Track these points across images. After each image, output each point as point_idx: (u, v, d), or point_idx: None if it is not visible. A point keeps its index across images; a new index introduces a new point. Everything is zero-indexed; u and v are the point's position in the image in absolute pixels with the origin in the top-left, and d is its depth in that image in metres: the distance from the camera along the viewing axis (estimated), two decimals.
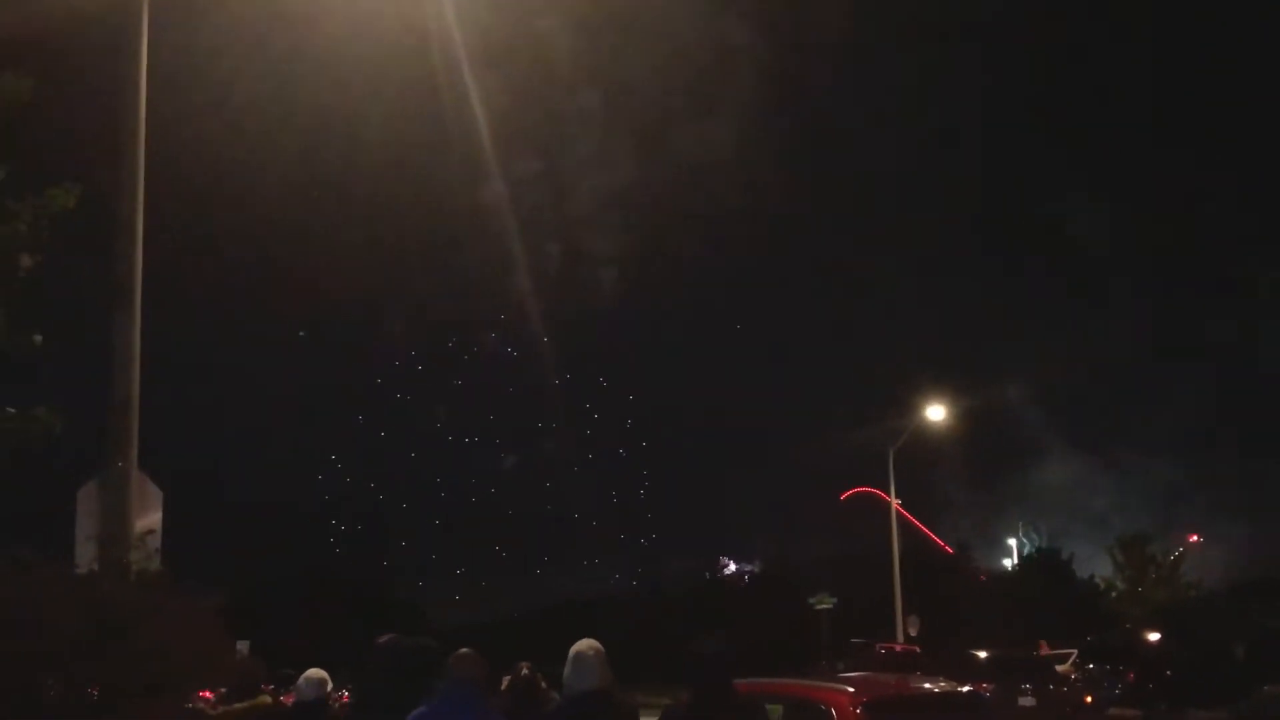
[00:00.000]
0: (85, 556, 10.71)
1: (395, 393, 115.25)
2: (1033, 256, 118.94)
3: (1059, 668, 25.99)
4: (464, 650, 6.73)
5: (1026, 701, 21.40)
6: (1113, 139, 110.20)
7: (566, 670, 6.28)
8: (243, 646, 27.77)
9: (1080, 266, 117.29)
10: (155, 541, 11.10)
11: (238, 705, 9.06)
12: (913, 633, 39.20)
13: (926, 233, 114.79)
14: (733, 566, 77.96)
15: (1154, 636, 18.55)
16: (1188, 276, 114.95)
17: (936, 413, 40.65)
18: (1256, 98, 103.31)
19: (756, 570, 72.13)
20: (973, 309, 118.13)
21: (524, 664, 8.22)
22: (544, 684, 8.26)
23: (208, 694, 12.15)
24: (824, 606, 40.54)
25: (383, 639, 7.87)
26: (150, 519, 11.22)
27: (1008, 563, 68.18)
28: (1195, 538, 61.84)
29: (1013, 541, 70.66)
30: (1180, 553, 49.98)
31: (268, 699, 9.02)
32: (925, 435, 43.14)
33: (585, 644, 6.30)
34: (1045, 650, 32.18)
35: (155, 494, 11.40)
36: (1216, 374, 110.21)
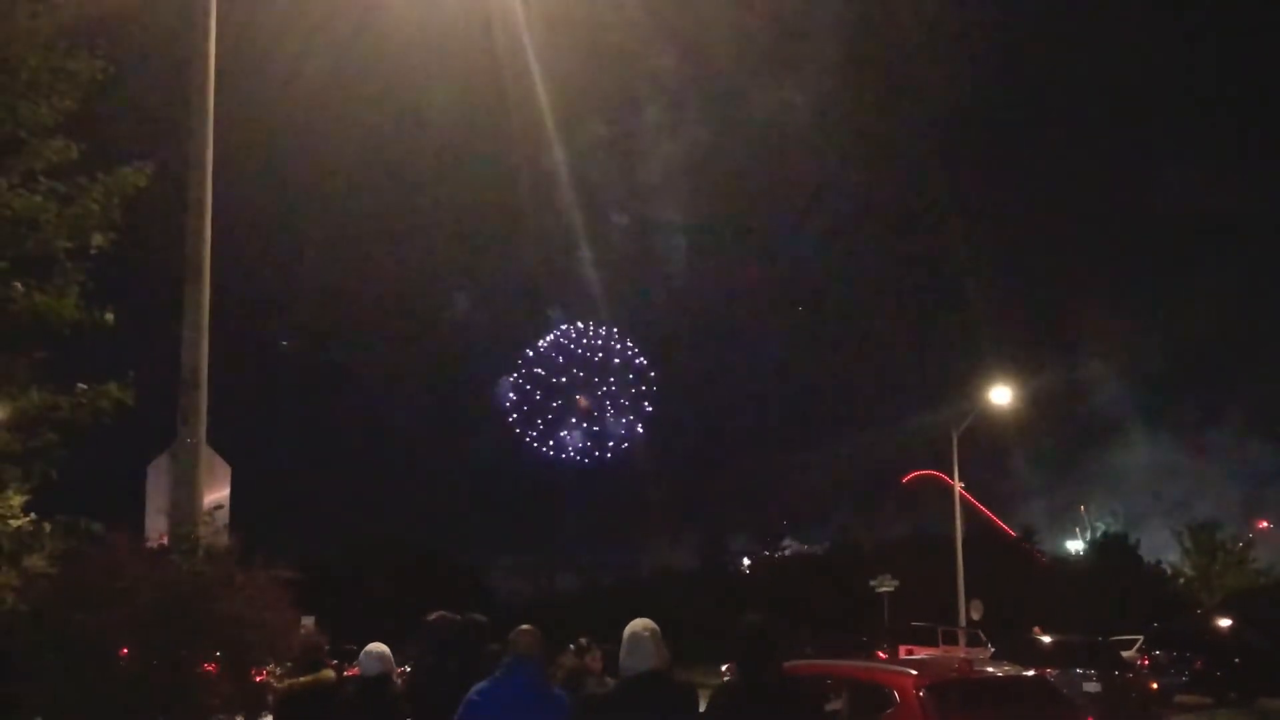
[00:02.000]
0: (155, 530, 10.89)
1: (460, 367, 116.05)
2: (1112, 233, 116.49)
3: (1125, 654, 25.69)
4: (525, 627, 6.75)
5: (1091, 687, 21.12)
6: (1194, 108, 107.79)
7: (622, 651, 6.27)
8: (308, 621, 28.13)
9: (1164, 241, 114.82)
10: (224, 516, 11.26)
11: (301, 679, 9.16)
12: (975, 616, 38.93)
13: (1006, 208, 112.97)
14: (796, 547, 77.76)
15: (1224, 623, 18.18)
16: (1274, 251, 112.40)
17: (1002, 395, 40.21)
18: None
19: (821, 551, 71.91)
20: (1050, 287, 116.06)
21: (583, 638, 8.25)
22: (600, 666, 8.27)
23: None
24: (885, 589, 40.33)
25: (431, 616, 7.94)
26: (219, 493, 11.39)
27: (1073, 547, 67.38)
28: (1265, 524, 60.80)
29: (1082, 521, 69.82)
30: (1250, 539, 49.20)
31: (330, 673, 9.11)
32: (991, 418, 42.76)
33: (640, 624, 6.28)
34: (1039, 634, 31.94)
35: (224, 469, 11.56)
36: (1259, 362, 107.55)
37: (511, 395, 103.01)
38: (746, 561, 76.53)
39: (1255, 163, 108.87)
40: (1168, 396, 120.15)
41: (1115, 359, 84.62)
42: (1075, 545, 67.34)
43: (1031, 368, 63.61)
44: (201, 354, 11.12)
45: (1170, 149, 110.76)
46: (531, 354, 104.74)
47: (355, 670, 9.42)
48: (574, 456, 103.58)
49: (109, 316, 10.86)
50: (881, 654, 26.65)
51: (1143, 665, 24.52)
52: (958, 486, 42.81)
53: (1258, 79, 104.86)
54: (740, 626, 6.27)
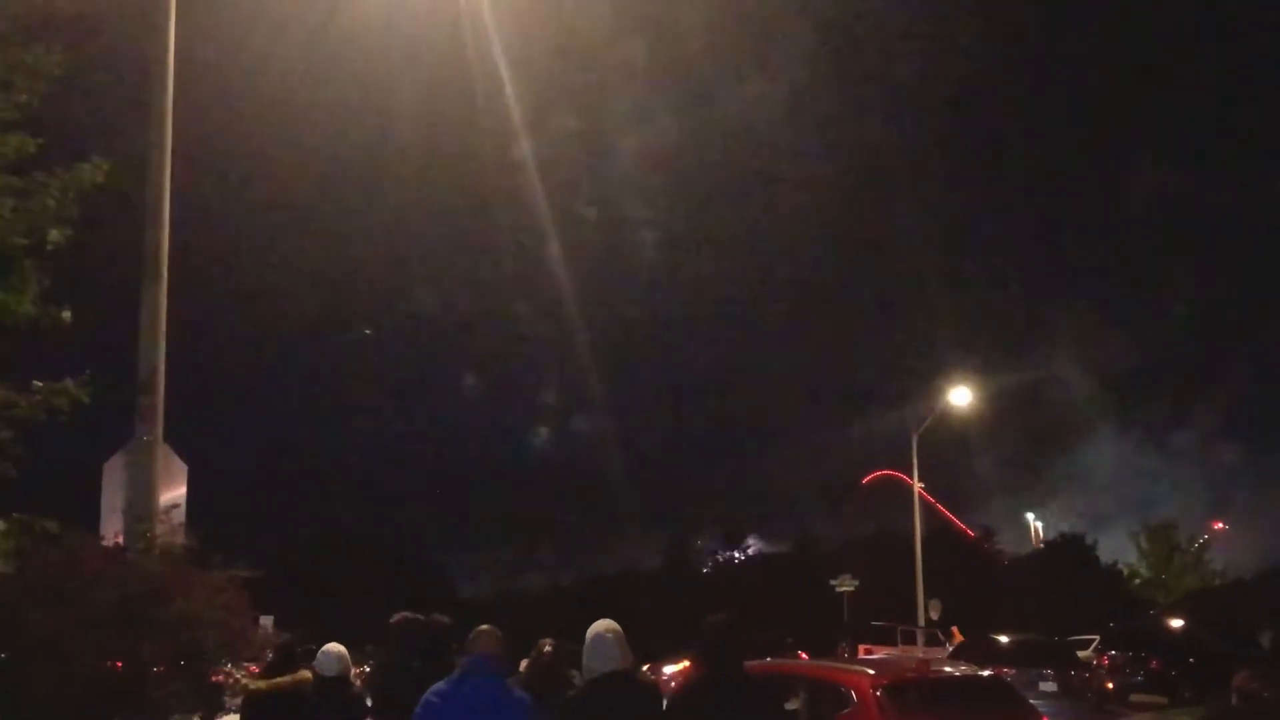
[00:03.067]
0: (111, 529, 10.82)
1: (425, 363, 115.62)
2: (1080, 231, 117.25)
3: (1081, 654, 25.92)
4: (484, 627, 6.76)
5: (1048, 687, 21.33)
6: (1166, 105, 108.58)
7: (585, 652, 6.31)
8: (266, 621, 27.92)
9: (1132, 240, 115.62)
10: (180, 515, 11.21)
11: (280, 680, 9.12)
12: (934, 616, 39.17)
13: (973, 205, 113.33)
14: (760, 546, 77.99)
15: (1177, 623, 18.43)
16: (1229, 254, 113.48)
17: (961, 396, 40.49)
18: None
19: (782, 551, 72.12)
20: (1016, 286, 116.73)
21: (547, 640, 8.25)
22: (567, 664, 8.29)
23: (254, 669, 12.21)
24: (846, 589, 40.52)
25: (395, 618, 7.95)
26: (175, 492, 11.34)
27: (1031, 548, 67.94)
28: (1220, 524, 61.52)
29: (1035, 525, 70.39)
30: (1205, 539, 49.73)
31: (308, 674, 9.07)
32: (954, 418, 43.04)
33: (603, 625, 6.33)
34: (958, 637, 32.33)
35: (180, 467, 11.51)
36: (1251, 356, 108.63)
37: (477, 389, 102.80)
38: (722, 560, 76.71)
39: (1227, 161, 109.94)
40: (1133, 397, 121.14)
41: (1080, 358, 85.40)
42: (1033, 546, 67.95)
43: (995, 367, 64.19)
44: (159, 353, 11.06)
45: (1141, 147, 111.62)
46: (494, 351, 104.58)
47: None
48: (540, 454, 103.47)
49: (66, 315, 10.77)
50: (803, 654, 26.78)
51: (1102, 665, 24.76)
52: (917, 486, 43.07)
53: (1228, 77, 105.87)
54: (704, 626, 6.33)
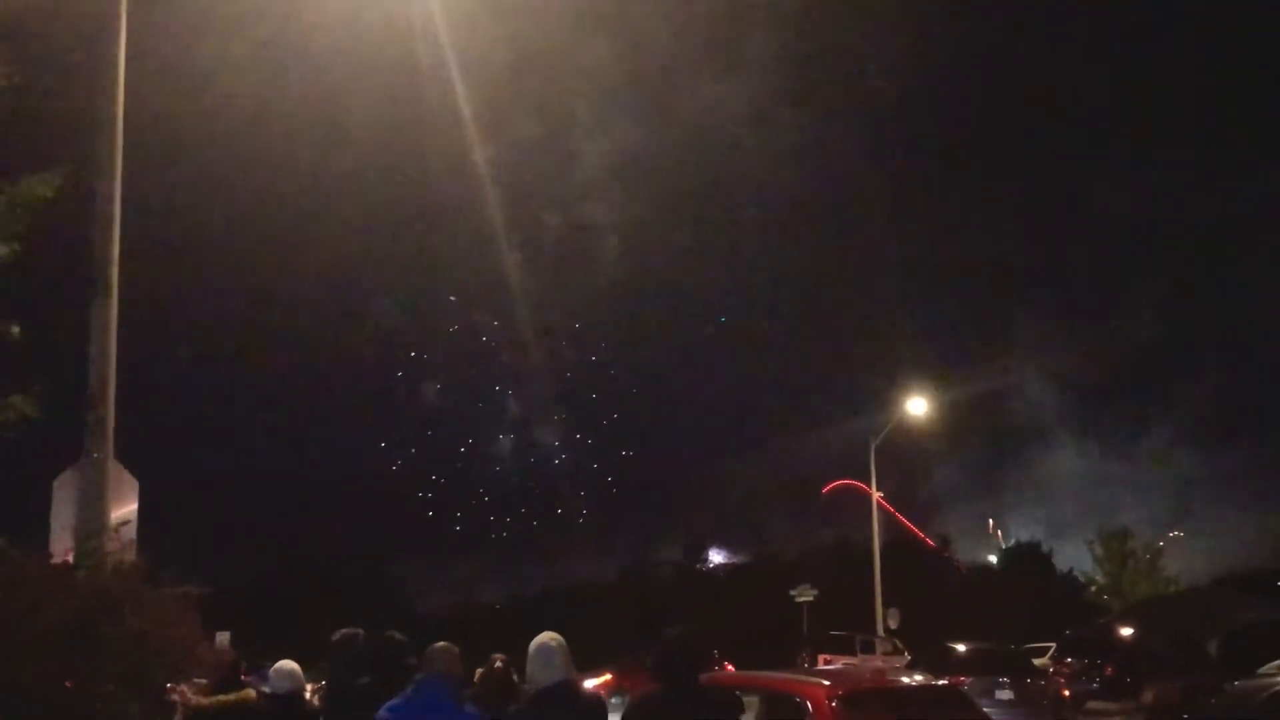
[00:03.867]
0: (60, 547, 10.68)
1: (381, 375, 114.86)
2: (1042, 238, 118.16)
3: (1037, 661, 26.12)
4: (439, 644, 6.76)
5: (1004, 695, 21.47)
6: (1130, 112, 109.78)
7: (529, 664, 6.34)
8: (223, 638, 27.62)
9: (1094, 247, 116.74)
10: (131, 532, 11.08)
11: (223, 697, 9.03)
12: (893, 625, 39.37)
13: (936, 212, 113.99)
14: (718, 558, 78.13)
15: (1127, 631, 18.61)
16: (1180, 265, 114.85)
17: (918, 406, 40.82)
18: None
19: (741, 562, 72.28)
20: (978, 293, 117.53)
21: (498, 656, 8.25)
22: (517, 678, 8.30)
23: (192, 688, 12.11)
24: (805, 599, 40.64)
25: (337, 635, 7.91)
26: (126, 509, 11.19)
27: (990, 556, 68.47)
28: (1175, 532, 62.14)
29: (992, 536, 71.02)
30: (1160, 547, 50.21)
31: (253, 693, 9.00)
32: (910, 428, 43.37)
33: (547, 637, 6.36)
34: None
35: (131, 483, 11.37)
36: (1212, 365, 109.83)
37: (434, 402, 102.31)
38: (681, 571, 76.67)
39: (1188, 171, 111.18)
40: (1092, 405, 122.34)
41: (1039, 366, 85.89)
42: (990, 556, 68.46)
43: (955, 376, 64.55)
44: (109, 368, 10.94)
45: (1101, 157, 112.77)
46: (449, 364, 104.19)
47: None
48: (501, 466, 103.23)
49: (14, 329, 10.65)
50: (729, 665, 26.89)
51: (1059, 673, 24.96)
52: (876, 496, 43.31)
53: (1190, 87, 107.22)
54: (659, 639, 6.36)
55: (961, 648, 24.95)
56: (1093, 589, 48.16)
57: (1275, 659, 13.98)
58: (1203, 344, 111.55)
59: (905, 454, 56.96)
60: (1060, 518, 70.98)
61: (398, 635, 8.06)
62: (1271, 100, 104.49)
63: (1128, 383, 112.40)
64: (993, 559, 67.62)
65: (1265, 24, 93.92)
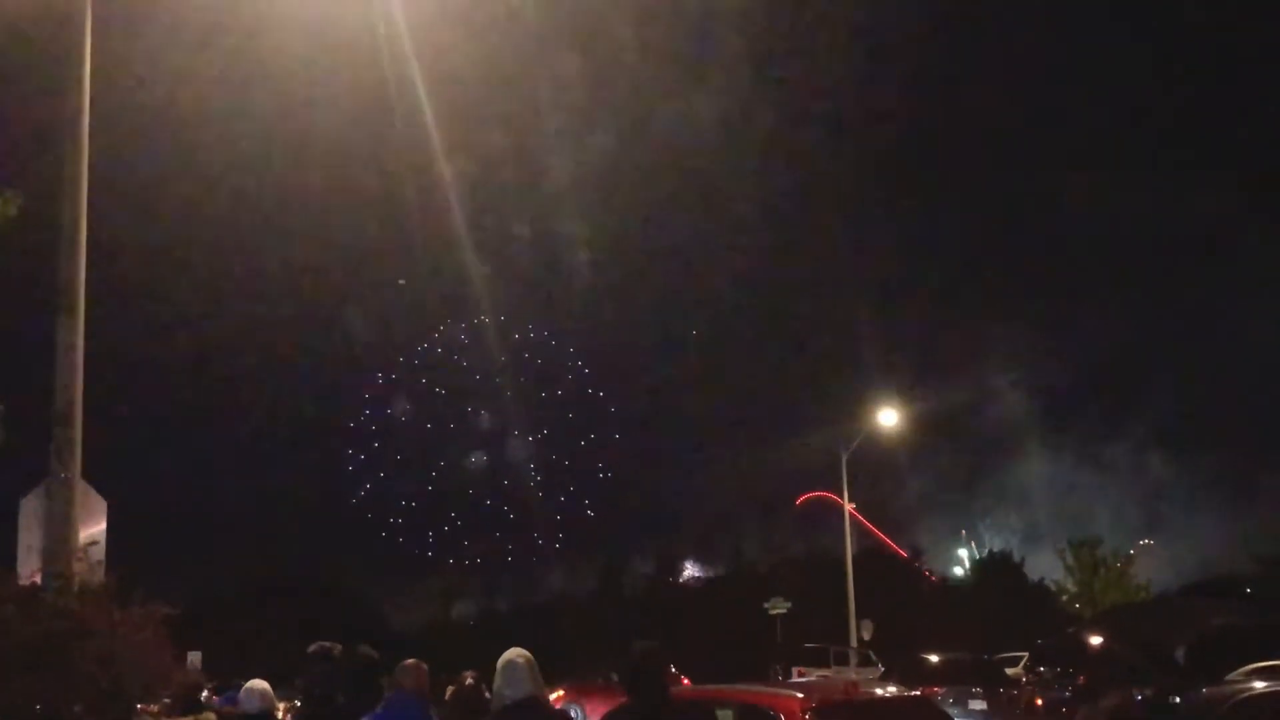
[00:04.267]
0: (28, 567, 10.61)
1: (350, 392, 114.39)
2: (1013, 248, 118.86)
3: (1010, 671, 26.19)
4: (408, 661, 6.77)
5: (977, 705, 21.56)
6: (1101, 121, 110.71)
7: (496, 679, 6.34)
8: (194, 658, 27.47)
9: (1065, 257, 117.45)
10: (99, 552, 11.01)
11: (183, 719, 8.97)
12: (866, 636, 39.44)
13: (906, 221, 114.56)
14: (692, 571, 78.15)
15: (1096, 639, 18.73)
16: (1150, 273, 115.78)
17: (889, 417, 40.99)
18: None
19: (714, 575, 72.28)
20: (947, 304, 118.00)
21: (469, 673, 8.23)
22: (488, 694, 8.28)
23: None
24: (778, 611, 40.64)
25: (312, 647, 7.88)
26: (94, 529, 11.13)
27: (958, 570, 68.73)
28: (1146, 540, 62.54)
29: (962, 551, 71.31)
30: (1130, 554, 50.49)
31: (212, 715, 8.93)
32: (885, 438, 43.54)
33: (515, 652, 6.37)
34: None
35: (99, 503, 11.31)
36: (1180, 372, 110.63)
37: (406, 418, 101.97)
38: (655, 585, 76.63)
39: (1158, 179, 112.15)
40: (1064, 412, 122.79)
41: (1010, 375, 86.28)
42: (959, 568, 68.73)
43: (927, 386, 64.84)
44: (76, 387, 10.87)
45: (1073, 163, 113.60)
46: (421, 379, 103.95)
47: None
48: (473, 483, 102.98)
49: None
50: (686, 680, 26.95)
51: (1030, 682, 25.06)
52: (848, 507, 43.41)
53: (1163, 96, 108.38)
54: (629, 653, 6.36)
55: (934, 658, 25.04)
56: (1064, 598, 48.36)
57: (1243, 665, 14.05)
58: (1173, 351, 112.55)
59: (878, 465, 57.18)
60: (1034, 526, 71.33)
61: (370, 651, 8.03)
62: (1241, 111, 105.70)
63: (1099, 390, 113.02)
64: (959, 570, 67.89)
65: (1236, 40, 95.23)
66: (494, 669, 6.39)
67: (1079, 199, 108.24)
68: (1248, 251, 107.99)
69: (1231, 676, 13.82)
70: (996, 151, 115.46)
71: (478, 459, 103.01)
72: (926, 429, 52.99)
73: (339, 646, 7.93)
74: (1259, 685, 13.10)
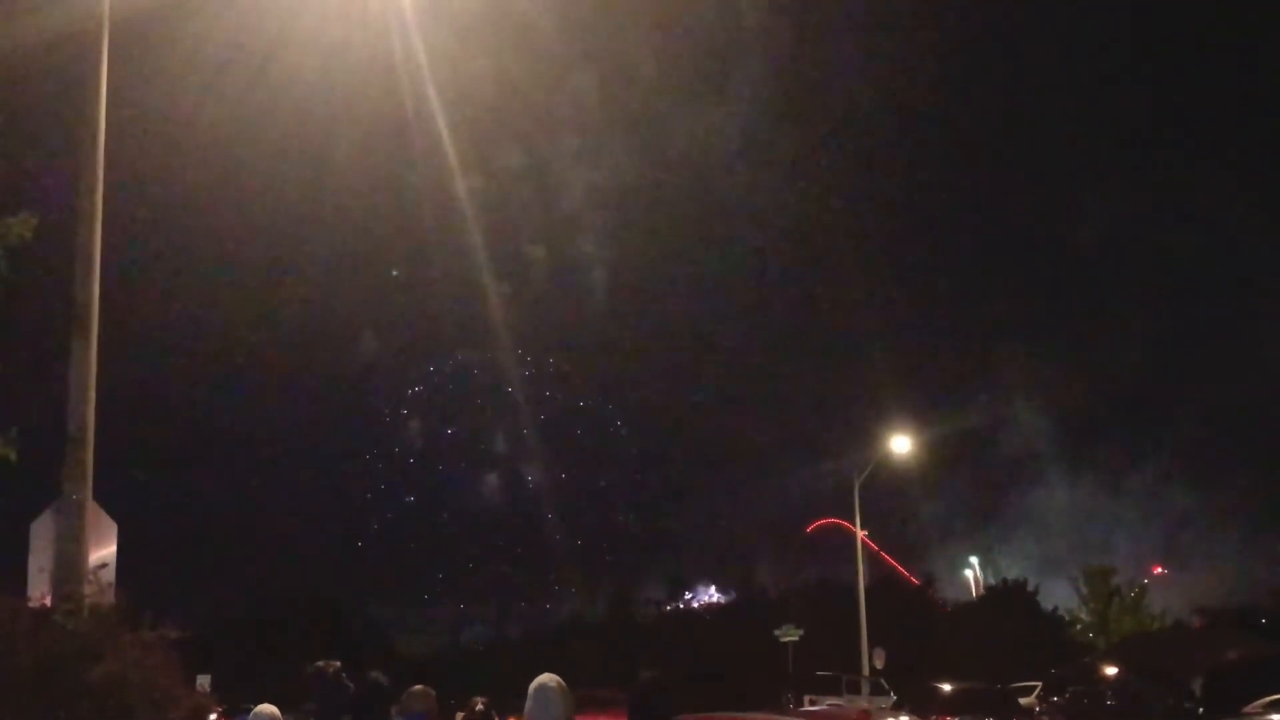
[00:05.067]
0: (38, 589, 10.60)
1: (363, 416, 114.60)
2: (1030, 274, 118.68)
3: (1023, 700, 26.02)
4: (416, 687, 6.76)
5: None
6: (1120, 146, 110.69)
7: (528, 704, 6.31)
8: (204, 681, 27.42)
9: (1083, 283, 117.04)
10: (110, 574, 11.00)
11: None
12: (878, 665, 39.21)
13: (925, 245, 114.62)
14: (704, 596, 77.97)
15: (1111, 670, 18.57)
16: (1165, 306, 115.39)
17: (902, 444, 40.88)
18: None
19: (727, 600, 72.10)
20: (954, 337, 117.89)
21: (479, 699, 8.21)
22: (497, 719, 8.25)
23: None
24: (790, 639, 40.46)
25: (312, 668, 7.86)
26: (105, 551, 11.12)
27: (972, 589, 68.45)
28: (1160, 569, 62.24)
29: (969, 574, 70.97)
30: (1145, 584, 50.24)
31: None
32: (894, 466, 43.39)
33: (547, 678, 6.34)
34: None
35: (110, 526, 11.30)
36: (1198, 401, 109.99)
37: (418, 443, 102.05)
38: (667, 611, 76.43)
39: (1178, 206, 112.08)
40: (1082, 441, 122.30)
41: (1028, 402, 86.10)
42: (973, 587, 68.41)
43: (943, 413, 64.67)
44: (88, 409, 10.89)
45: (1092, 193, 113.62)
46: (435, 404, 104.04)
47: None
48: (483, 506, 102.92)
49: None
50: None
51: (1044, 712, 24.87)
52: (860, 534, 43.26)
53: (1181, 122, 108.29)
54: (634, 682, 6.35)
55: (947, 687, 24.89)
56: (1078, 626, 48.10)
57: (1259, 697, 13.94)
58: (1192, 379, 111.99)
59: (891, 492, 57.03)
60: (1050, 554, 71.00)
61: (379, 676, 8.01)
62: (1262, 133, 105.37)
63: (1117, 419, 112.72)
64: (972, 582, 67.54)
65: (1253, 61, 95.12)
66: (504, 694, 6.36)
67: (1102, 224, 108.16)
68: (1270, 273, 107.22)
69: (1249, 708, 13.70)
70: (1021, 175, 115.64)
71: (491, 484, 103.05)
72: (941, 456, 52.82)
73: (336, 665, 7.92)
74: (1276, 718, 13.00)
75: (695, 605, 75.28)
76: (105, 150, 11.54)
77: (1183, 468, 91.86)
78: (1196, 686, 15.48)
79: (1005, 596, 54.14)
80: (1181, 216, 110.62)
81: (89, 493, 10.86)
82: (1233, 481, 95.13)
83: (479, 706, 7.94)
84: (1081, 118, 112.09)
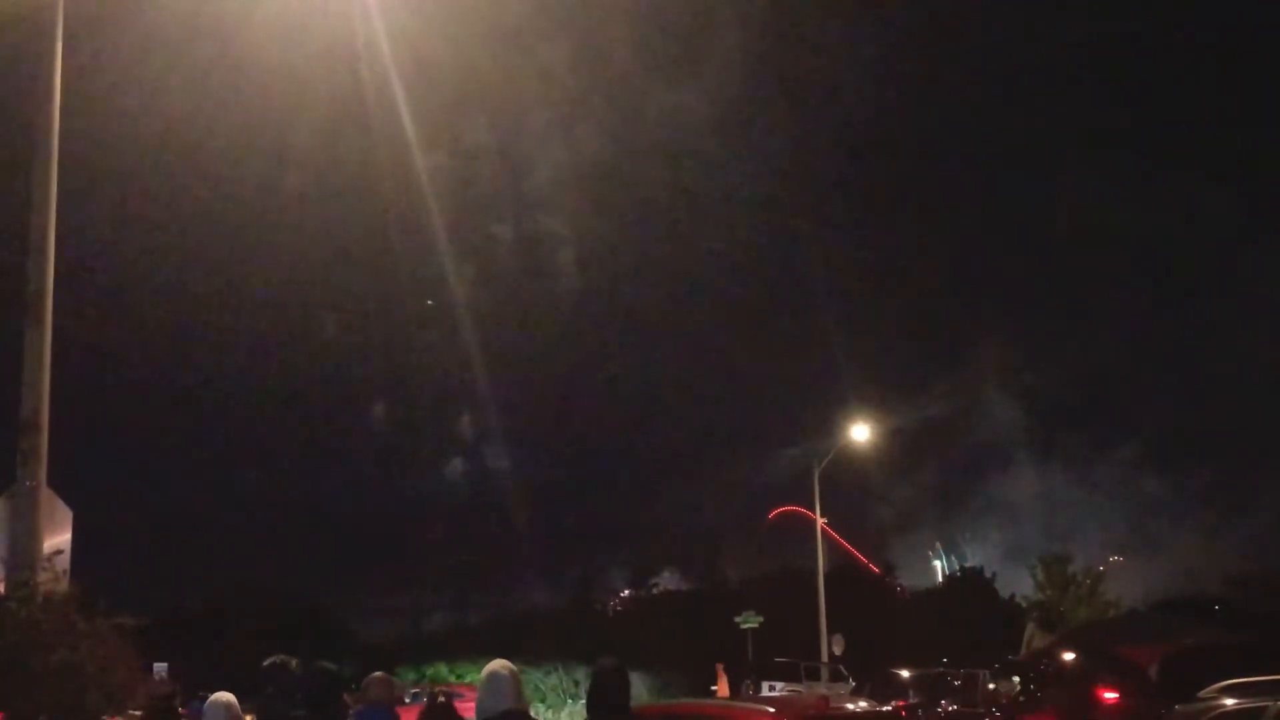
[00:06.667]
0: None
1: (323, 400, 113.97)
2: (1002, 259, 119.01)
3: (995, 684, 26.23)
4: (377, 674, 6.74)
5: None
6: (1083, 133, 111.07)
7: (479, 691, 6.31)
8: (160, 669, 27.26)
9: (1056, 270, 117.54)
10: (64, 562, 10.89)
11: None
12: (837, 651, 39.47)
13: (896, 230, 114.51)
14: (668, 582, 78.11)
15: (1068, 655, 18.80)
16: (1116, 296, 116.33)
17: (861, 432, 41.09)
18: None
19: (689, 588, 72.28)
20: (921, 323, 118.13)
21: (440, 689, 8.21)
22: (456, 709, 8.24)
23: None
24: (750, 625, 40.64)
25: (267, 662, 7.81)
26: (59, 538, 11.00)
27: (937, 572, 69.02)
28: (1117, 558, 62.90)
29: (936, 563, 71.57)
30: (1101, 571, 50.73)
31: None
32: (854, 453, 43.59)
33: (499, 664, 6.33)
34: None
35: (65, 513, 11.19)
36: (1149, 392, 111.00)
37: (379, 428, 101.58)
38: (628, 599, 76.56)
39: (1152, 192, 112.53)
40: (1043, 429, 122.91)
41: (993, 391, 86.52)
42: (937, 571, 68.98)
43: (907, 401, 65.06)
44: (42, 395, 10.77)
45: (1065, 175, 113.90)
46: (394, 389, 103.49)
47: None
48: (444, 491, 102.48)
49: None
50: None
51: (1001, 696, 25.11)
52: (820, 522, 43.49)
53: (1157, 108, 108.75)
54: (592, 670, 6.36)
55: (905, 673, 25.09)
56: (1035, 614, 48.53)
57: (1215, 682, 14.15)
58: (1156, 369, 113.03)
59: (852, 480, 57.29)
60: (1017, 541, 71.58)
61: (329, 665, 7.96)
62: (1237, 121, 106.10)
63: (1080, 408, 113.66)
64: (937, 572, 68.10)
65: (1239, 49, 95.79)
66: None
67: (1072, 212, 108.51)
68: (1245, 266, 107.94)
69: (1203, 693, 13.91)
70: (992, 161, 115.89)
71: (452, 470, 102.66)
72: (907, 444, 53.20)
73: (295, 660, 7.87)
74: (1229, 702, 13.20)
75: (655, 592, 75.36)
76: (60, 135, 11.40)
77: (1148, 456, 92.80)
78: (1153, 671, 15.74)
79: (963, 584, 54.67)
80: (1155, 206, 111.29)
81: (43, 479, 10.75)
82: (1195, 470, 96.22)
83: (441, 698, 7.94)
84: (1055, 106, 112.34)
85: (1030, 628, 33.49)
